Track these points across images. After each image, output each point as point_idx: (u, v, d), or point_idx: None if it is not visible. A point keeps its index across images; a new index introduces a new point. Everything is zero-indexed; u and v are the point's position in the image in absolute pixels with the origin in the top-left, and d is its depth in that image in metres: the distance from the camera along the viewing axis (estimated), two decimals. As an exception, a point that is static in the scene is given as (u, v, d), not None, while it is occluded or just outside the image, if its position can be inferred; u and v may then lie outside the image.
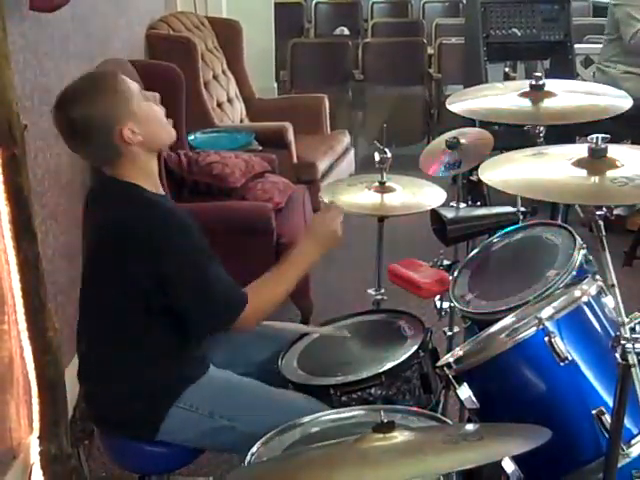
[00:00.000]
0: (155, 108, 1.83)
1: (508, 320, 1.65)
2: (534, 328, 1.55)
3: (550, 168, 1.56)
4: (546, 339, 1.53)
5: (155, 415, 1.79)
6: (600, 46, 4.66)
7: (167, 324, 1.78)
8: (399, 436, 1.23)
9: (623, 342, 1.41)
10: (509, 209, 2.25)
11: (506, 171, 1.62)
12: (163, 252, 1.71)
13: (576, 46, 4.73)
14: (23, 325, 2.23)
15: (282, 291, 1.85)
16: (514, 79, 4.72)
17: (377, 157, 2.20)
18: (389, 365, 1.81)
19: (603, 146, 1.50)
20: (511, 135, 2.31)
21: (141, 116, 1.75)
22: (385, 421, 1.24)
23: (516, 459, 1.52)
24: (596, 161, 1.51)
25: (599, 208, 1.50)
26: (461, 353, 1.64)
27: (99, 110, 1.72)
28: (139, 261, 1.71)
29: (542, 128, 2.12)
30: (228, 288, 1.78)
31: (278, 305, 1.85)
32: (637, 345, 1.40)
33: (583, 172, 1.50)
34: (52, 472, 2.27)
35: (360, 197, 2.20)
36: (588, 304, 1.60)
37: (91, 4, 3.19)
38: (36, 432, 2.30)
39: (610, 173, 1.48)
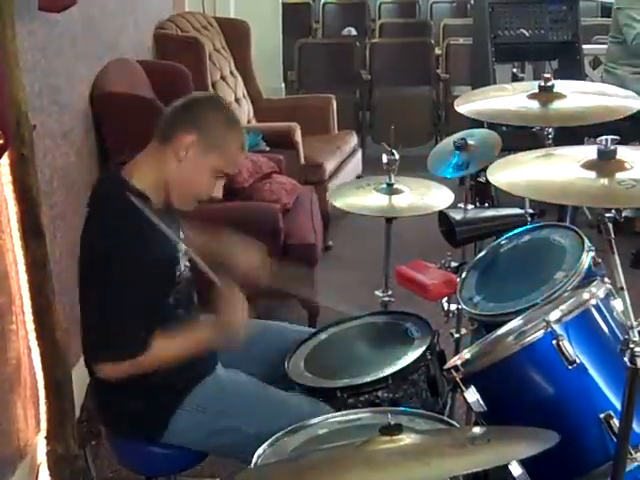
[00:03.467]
0: (205, 183, 1.79)
1: (516, 323, 1.65)
2: (542, 331, 1.54)
3: (558, 170, 1.55)
4: (554, 342, 1.52)
5: (163, 415, 1.79)
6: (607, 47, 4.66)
7: (167, 323, 1.77)
8: (406, 439, 1.23)
9: (632, 345, 1.40)
10: (517, 211, 2.24)
11: (514, 173, 1.61)
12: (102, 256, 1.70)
13: (584, 47, 4.72)
14: (31, 325, 2.23)
15: (176, 355, 1.75)
16: (522, 80, 4.71)
17: (385, 159, 2.20)
18: (396, 368, 1.80)
19: (612, 148, 1.49)
20: (519, 136, 2.30)
21: (202, 161, 1.75)
22: (392, 424, 1.24)
23: (523, 462, 1.52)
24: (605, 163, 1.50)
25: (608, 210, 1.49)
26: (468, 356, 1.63)
27: (210, 118, 1.76)
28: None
29: (551, 129, 2.12)
30: (129, 328, 1.70)
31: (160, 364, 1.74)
32: (646, 349, 1.40)
33: (592, 174, 1.49)
34: (59, 472, 2.28)
35: (368, 199, 2.20)
36: (596, 307, 1.59)
37: (99, 4, 3.19)
38: (43, 432, 2.31)
39: (619, 175, 1.46)
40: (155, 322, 1.73)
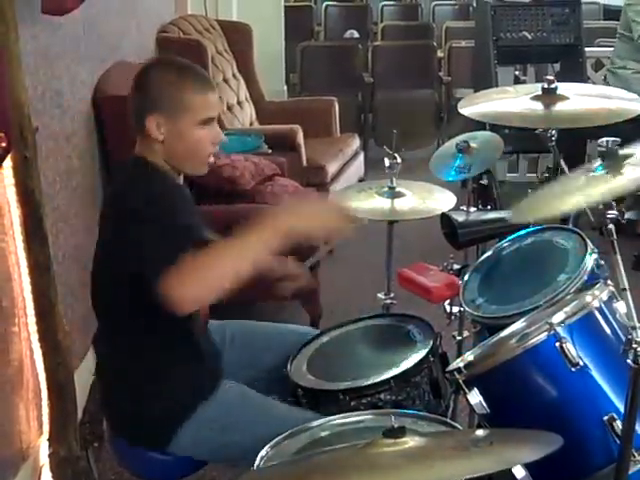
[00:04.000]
0: (202, 137, 1.75)
1: (519, 325, 1.65)
2: (545, 333, 1.54)
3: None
4: (557, 344, 1.52)
5: (168, 429, 1.78)
6: (611, 49, 4.66)
7: (174, 333, 1.77)
8: (409, 441, 1.23)
9: (635, 346, 1.40)
10: (520, 213, 2.24)
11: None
12: (136, 220, 1.64)
13: (587, 49, 4.72)
14: (33, 327, 2.24)
15: (221, 266, 1.60)
16: (524, 82, 4.71)
17: (387, 163, 2.20)
18: (398, 370, 1.80)
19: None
20: (522, 139, 2.30)
21: (179, 129, 1.72)
22: (396, 426, 1.23)
23: (526, 464, 1.51)
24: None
25: (609, 212, 1.50)
26: (471, 358, 1.63)
27: (157, 87, 1.72)
28: (122, 235, 1.67)
29: (554, 131, 2.12)
30: (176, 246, 1.58)
31: (218, 284, 1.58)
32: (649, 350, 1.39)
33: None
34: (61, 474, 2.28)
35: (370, 202, 2.20)
36: (599, 309, 1.59)
37: (102, 7, 3.20)
38: (46, 434, 2.31)
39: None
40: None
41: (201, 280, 1.57)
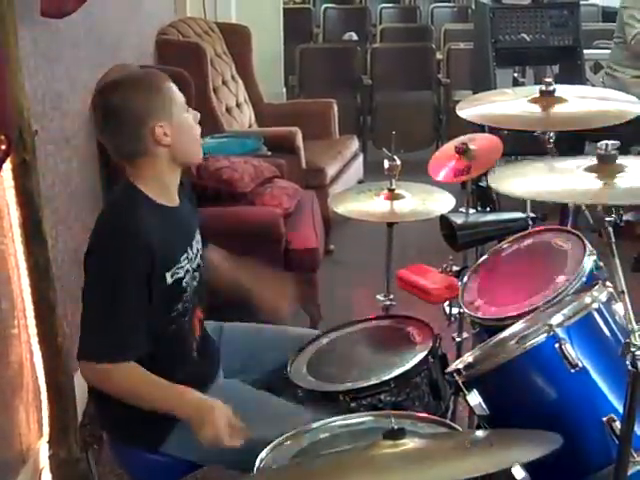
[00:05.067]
0: (191, 121, 1.81)
1: (518, 326, 1.65)
2: (544, 335, 1.54)
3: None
4: (556, 346, 1.53)
5: (161, 429, 1.78)
6: (609, 51, 4.66)
7: (167, 334, 1.77)
8: (409, 443, 1.23)
9: (633, 349, 1.40)
10: (519, 215, 2.24)
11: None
12: (95, 254, 1.71)
13: (585, 51, 4.73)
14: (33, 330, 2.24)
15: (144, 397, 1.70)
16: (523, 84, 4.72)
17: (386, 165, 2.20)
18: (398, 371, 1.80)
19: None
20: (520, 141, 2.31)
21: (177, 122, 1.76)
22: (396, 428, 1.24)
23: (525, 465, 1.52)
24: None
25: (609, 214, 1.50)
26: (471, 359, 1.64)
27: (139, 101, 1.73)
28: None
29: (552, 134, 2.12)
30: (126, 329, 1.68)
31: (131, 401, 1.70)
32: (647, 352, 1.40)
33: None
34: (61, 476, 2.28)
35: (369, 204, 2.20)
36: (598, 311, 1.59)
37: (101, 10, 3.20)
38: (45, 437, 2.31)
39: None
40: (149, 332, 1.72)
41: (105, 381, 1.70)
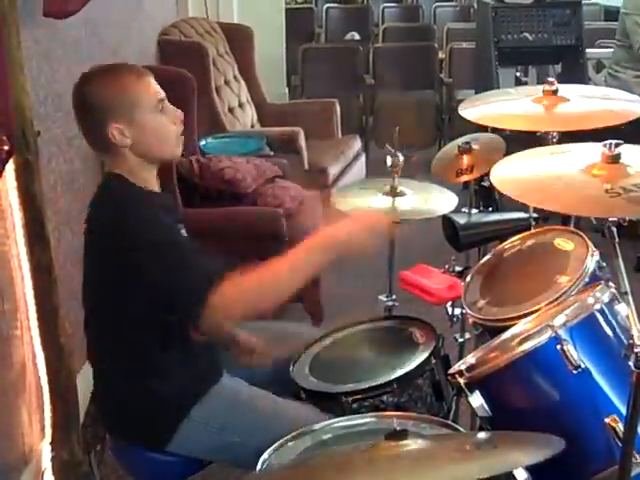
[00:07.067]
0: (163, 122, 1.76)
1: (520, 327, 1.65)
2: (546, 336, 1.53)
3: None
4: (559, 347, 1.52)
5: (166, 428, 1.78)
6: (612, 50, 4.66)
7: (170, 335, 1.77)
8: (412, 444, 1.23)
9: (636, 350, 1.40)
10: (521, 215, 2.24)
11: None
12: (132, 247, 1.66)
13: (588, 50, 4.72)
14: (36, 331, 2.24)
15: (268, 289, 1.66)
16: (526, 83, 4.72)
17: (389, 161, 2.19)
18: (401, 372, 1.80)
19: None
20: (523, 140, 2.30)
21: (140, 123, 1.72)
22: (398, 429, 1.24)
23: (528, 467, 1.51)
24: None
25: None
26: (473, 360, 1.63)
27: (102, 98, 1.71)
28: (113, 257, 1.68)
29: (555, 133, 2.12)
30: (203, 265, 1.66)
31: (260, 304, 1.66)
32: (650, 353, 1.39)
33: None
34: (64, 478, 2.28)
35: (371, 202, 2.20)
36: (601, 311, 1.59)
37: (104, 10, 3.20)
38: (48, 438, 2.31)
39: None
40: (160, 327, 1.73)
41: (249, 302, 1.65)
